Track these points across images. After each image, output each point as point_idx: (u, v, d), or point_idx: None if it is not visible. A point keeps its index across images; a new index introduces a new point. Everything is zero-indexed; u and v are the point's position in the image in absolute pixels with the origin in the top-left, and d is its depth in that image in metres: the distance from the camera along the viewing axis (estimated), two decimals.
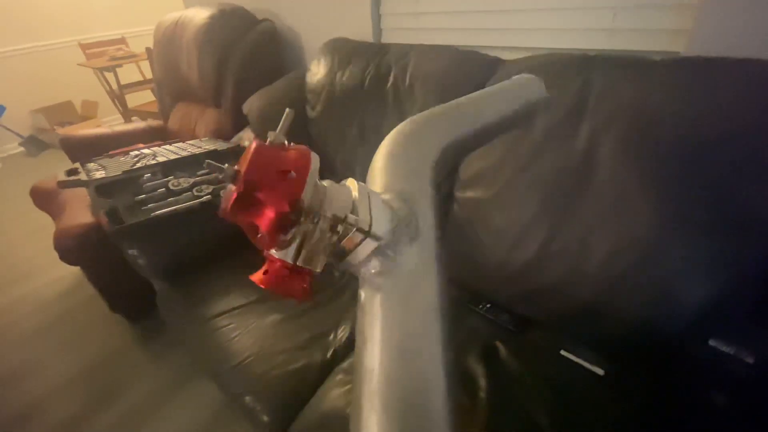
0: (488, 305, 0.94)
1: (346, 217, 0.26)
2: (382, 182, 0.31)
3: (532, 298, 0.88)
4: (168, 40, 1.74)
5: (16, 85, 3.27)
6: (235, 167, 0.24)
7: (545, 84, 0.89)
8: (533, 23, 1.04)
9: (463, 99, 0.40)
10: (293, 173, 0.24)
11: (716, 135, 0.67)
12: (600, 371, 0.75)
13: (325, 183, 0.27)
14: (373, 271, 0.27)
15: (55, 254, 1.32)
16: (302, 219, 0.24)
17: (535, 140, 0.85)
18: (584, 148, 0.80)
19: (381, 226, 0.26)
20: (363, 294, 0.27)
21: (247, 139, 1.42)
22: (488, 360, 0.80)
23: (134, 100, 3.07)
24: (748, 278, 0.66)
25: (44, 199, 1.61)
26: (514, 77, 0.51)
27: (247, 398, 0.84)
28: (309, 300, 0.26)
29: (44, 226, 1.39)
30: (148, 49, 2.44)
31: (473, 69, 1.02)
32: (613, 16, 0.91)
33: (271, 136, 0.26)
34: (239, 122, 1.51)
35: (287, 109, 0.28)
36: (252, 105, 1.42)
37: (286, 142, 0.26)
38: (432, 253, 0.28)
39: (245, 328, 0.95)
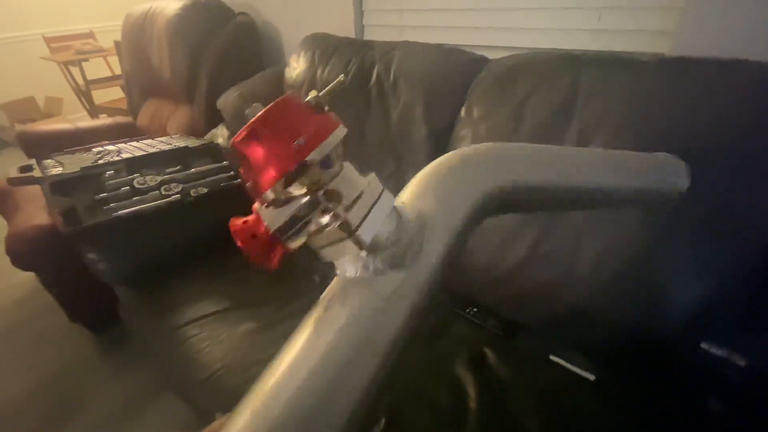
0: (475, 309, 0.91)
1: (337, 205, 0.23)
2: (409, 193, 0.27)
3: (521, 301, 0.86)
4: (137, 32, 1.65)
5: None
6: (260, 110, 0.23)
7: (534, 81, 0.87)
8: (518, 22, 1.03)
9: (560, 147, 0.34)
10: (302, 140, 0.22)
11: (703, 135, 0.66)
12: (591, 376, 0.73)
13: (345, 164, 0.25)
14: (346, 274, 0.24)
15: None
16: (298, 191, 0.23)
17: (523, 141, 0.83)
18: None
19: (370, 233, 0.23)
20: (327, 291, 0.25)
21: (221, 136, 1.35)
22: (477, 367, 0.76)
23: (102, 96, 2.92)
24: (739, 280, 0.65)
25: None
26: (654, 153, 0.42)
27: (218, 415, 0.78)
28: (271, 270, 0.25)
29: (2, 228, 1.28)
30: (116, 43, 2.32)
31: (459, 66, 0.99)
32: (598, 17, 0.91)
33: (311, 94, 0.25)
34: (213, 119, 1.44)
35: (341, 76, 0.27)
36: (227, 100, 1.35)
37: (325, 107, 0.25)
38: (416, 287, 0.24)
39: (216, 338, 0.88)
